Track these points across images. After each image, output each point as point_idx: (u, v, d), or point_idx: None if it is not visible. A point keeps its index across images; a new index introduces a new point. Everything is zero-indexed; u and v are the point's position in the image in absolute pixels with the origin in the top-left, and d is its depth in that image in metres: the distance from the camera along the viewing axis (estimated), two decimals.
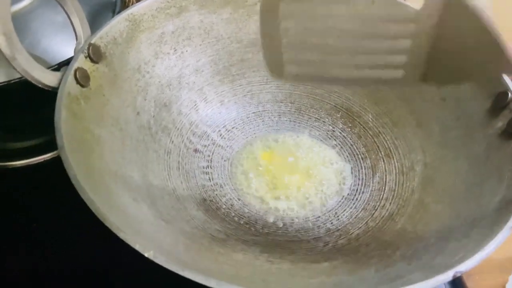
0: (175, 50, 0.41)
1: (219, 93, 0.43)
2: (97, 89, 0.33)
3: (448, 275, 0.23)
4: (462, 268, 0.23)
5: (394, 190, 0.37)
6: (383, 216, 0.35)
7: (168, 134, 0.39)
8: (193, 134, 0.41)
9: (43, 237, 0.39)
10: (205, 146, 0.41)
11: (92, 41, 0.33)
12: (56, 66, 0.34)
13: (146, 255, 0.22)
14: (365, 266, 0.29)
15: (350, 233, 0.34)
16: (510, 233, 0.25)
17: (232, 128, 0.43)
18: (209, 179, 0.39)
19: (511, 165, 0.29)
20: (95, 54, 0.33)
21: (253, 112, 0.44)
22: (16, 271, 0.37)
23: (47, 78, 0.30)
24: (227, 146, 0.42)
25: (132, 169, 0.33)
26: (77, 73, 0.31)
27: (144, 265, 0.22)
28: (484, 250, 0.24)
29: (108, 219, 0.23)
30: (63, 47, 0.40)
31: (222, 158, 0.41)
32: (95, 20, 0.43)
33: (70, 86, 0.30)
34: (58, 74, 0.31)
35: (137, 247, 0.22)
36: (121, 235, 0.22)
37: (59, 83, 0.30)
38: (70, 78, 0.30)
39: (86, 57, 0.33)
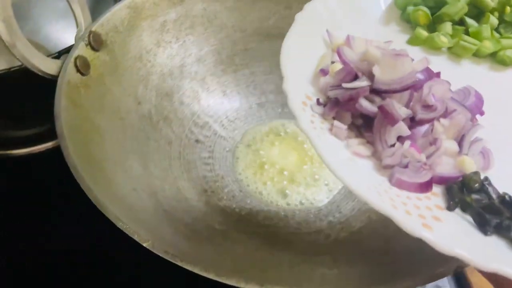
0: (177, 39, 0.40)
1: (221, 83, 0.43)
2: (98, 77, 0.33)
3: (450, 269, 0.23)
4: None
5: None
6: None
7: (170, 124, 0.38)
8: (195, 125, 0.40)
9: (45, 226, 0.39)
10: (206, 136, 0.40)
11: (93, 29, 0.33)
12: (56, 54, 0.34)
13: (144, 245, 0.21)
14: (366, 260, 0.29)
15: (352, 226, 0.34)
16: None
17: (235, 119, 0.42)
18: (211, 170, 0.38)
19: None
20: (95, 42, 0.33)
21: (256, 103, 0.44)
22: (15, 261, 0.37)
23: (47, 66, 0.30)
24: (229, 137, 0.41)
25: (132, 159, 0.32)
26: (77, 61, 0.31)
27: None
28: None
29: (106, 208, 0.22)
30: (64, 34, 0.39)
31: (224, 149, 0.40)
32: (97, 7, 0.42)
33: (70, 74, 0.30)
34: (58, 62, 0.31)
35: (135, 237, 0.21)
36: (120, 225, 0.22)
37: (59, 71, 0.30)
38: (70, 66, 0.30)
39: (86, 45, 0.32)
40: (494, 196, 0.19)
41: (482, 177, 0.19)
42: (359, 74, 0.21)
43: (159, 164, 0.35)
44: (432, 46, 0.26)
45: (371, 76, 0.20)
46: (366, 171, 0.19)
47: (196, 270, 0.21)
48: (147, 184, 0.32)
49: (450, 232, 0.18)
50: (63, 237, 0.37)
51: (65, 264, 0.36)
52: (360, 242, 0.32)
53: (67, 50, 0.32)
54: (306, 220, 0.35)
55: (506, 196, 0.18)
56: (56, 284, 0.35)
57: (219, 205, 0.35)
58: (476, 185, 0.19)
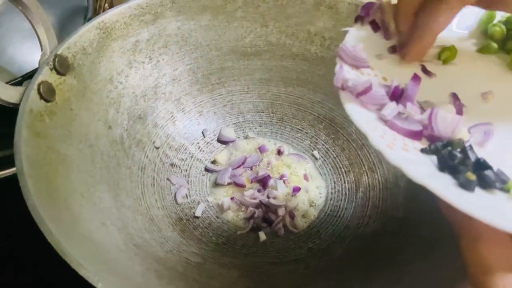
0: (151, 59, 0.39)
1: (197, 103, 0.42)
2: (64, 103, 0.31)
3: None
4: None
5: (378, 206, 0.35)
6: (367, 235, 0.34)
7: (143, 148, 0.37)
8: (170, 148, 0.39)
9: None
10: (182, 160, 0.39)
11: (59, 52, 0.31)
12: (19, 79, 0.32)
13: None
14: None
15: (332, 253, 0.33)
16: None
17: (211, 140, 0.41)
18: (186, 195, 0.37)
19: None
20: (61, 66, 0.31)
21: (233, 123, 0.43)
22: None
23: (7, 94, 0.28)
24: (205, 160, 0.40)
25: (101, 190, 0.31)
26: (41, 87, 0.29)
27: None
28: None
29: (68, 254, 0.21)
30: (30, 55, 0.37)
31: (200, 172, 0.39)
32: (66, 27, 0.41)
33: (32, 102, 0.28)
34: (20, 89, 0.29)
35: (99, 286, 0.20)
36: (82, 272, 0.20)
37: (21, 99, 0.28)
38: (33, 93, 0.28)
39: (51, 69, 0.31)
40: (471, 157, 0.19)
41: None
42: None
43: (131, 193, 0.33)
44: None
45: None
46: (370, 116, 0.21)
47: None
48: (117, 216, 0.30)
49: (406, 157, 0.18)
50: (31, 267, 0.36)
51: None
52: (339, 271, 0.31)
53: (31, 75, 0.31)
54: (285, 247, 0.34)
55: (481, 159, 0.19)
56: None
57: (194, 234, 0.34)
58: (458, 147, 0.19)
